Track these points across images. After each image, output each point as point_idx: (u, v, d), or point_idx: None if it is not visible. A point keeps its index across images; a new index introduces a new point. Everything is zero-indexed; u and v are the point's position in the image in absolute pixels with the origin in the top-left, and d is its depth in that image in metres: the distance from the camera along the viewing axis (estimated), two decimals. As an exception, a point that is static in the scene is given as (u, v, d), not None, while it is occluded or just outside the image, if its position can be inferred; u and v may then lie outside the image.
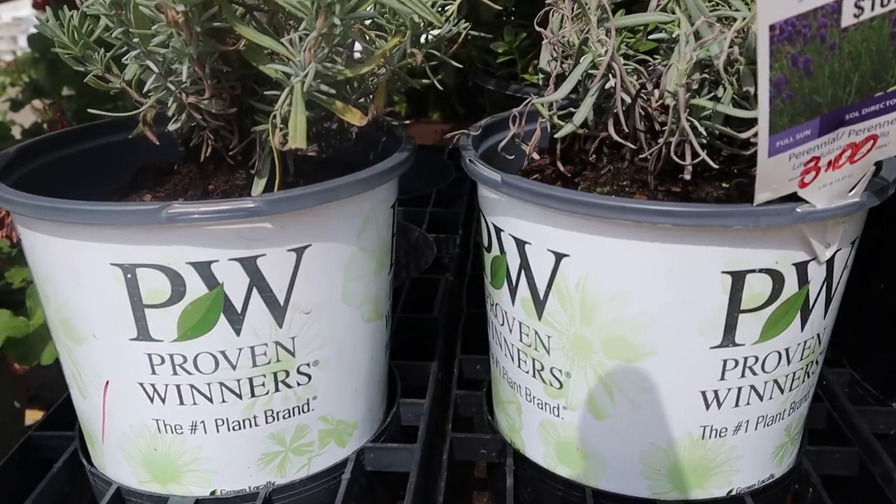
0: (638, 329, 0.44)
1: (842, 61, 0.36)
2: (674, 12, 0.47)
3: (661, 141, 0.45)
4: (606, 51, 0.46)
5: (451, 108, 1.30)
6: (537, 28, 0.51)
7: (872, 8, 0.34)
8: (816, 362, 0.49)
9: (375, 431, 0.54)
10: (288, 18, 0.46)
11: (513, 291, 0.48)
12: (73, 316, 0.45)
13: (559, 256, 0.44)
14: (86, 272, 0.43)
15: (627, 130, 0.48)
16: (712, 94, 0.46)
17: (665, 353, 0.44)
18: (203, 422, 0.46)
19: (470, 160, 0.48)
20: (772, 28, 0.34)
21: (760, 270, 0.42)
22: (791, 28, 0.34)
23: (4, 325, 0.79)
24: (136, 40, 0.45)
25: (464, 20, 0.51)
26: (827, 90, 0.37)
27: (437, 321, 0.67)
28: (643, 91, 0.48)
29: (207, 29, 0.42)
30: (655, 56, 0.51)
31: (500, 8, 0.54)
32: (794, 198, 0.40)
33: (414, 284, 0.74)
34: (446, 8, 0.48)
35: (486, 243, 0.51)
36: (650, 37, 0.49)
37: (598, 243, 0.43)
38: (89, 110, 0.55)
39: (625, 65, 0.48)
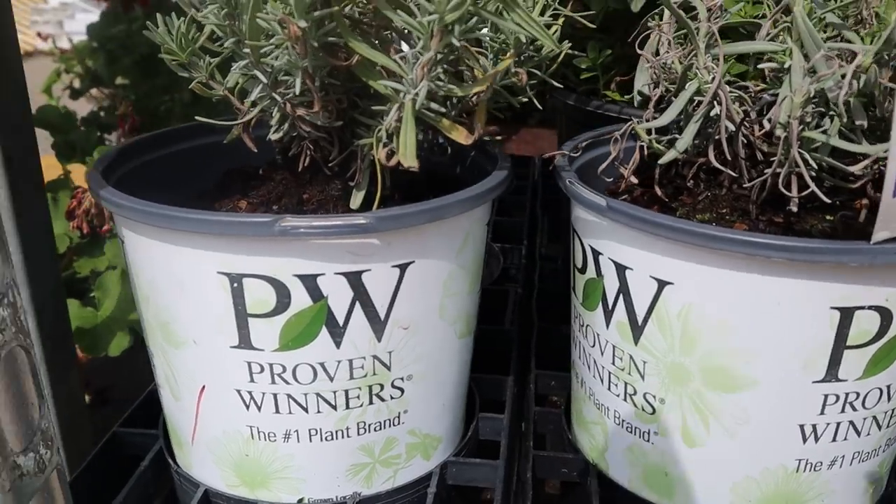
0: (740, 360, 0.44)
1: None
2: (783, 41, 0.47)
3: (768, 171, 0.45)
4: (713, 78, 0.46)
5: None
6: (638, 51, 0.51)
7: None
8: (913, 398, 0.49)
9: (458, 445, 0.54)
10: (397, 34, 0.46)
11: (608, 315, 0.48)
12: (173, 320, 0.46)
13: (662, 284, 0.44)
14: (191, 279, 0.44)
15: (728, 157, 0.48)
16: (819, 125, 0.45)
17: (766, 385, 0.44)
18: (297, 431, 0.46)
19: (570, 182, 0.48)
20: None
21: (870, 307, 0.42)
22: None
23: (74, 314, 0.81)
24: (246, 51, 0.45)
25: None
26: (959, 132, 0.36)
27: (510, 334, 0.67)
28: (747, 119, 0.48)
29: (322, 43, 0.43)
30: (754, 82, 0.50)
31: (593, 26, 0.53)
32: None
33: (483, 295, 0.74)
34: (551, 28, 0.48)
35: (580, 265, 0.51)
36: (760, 65, 0.48)
37: (704, 273, 0.43)
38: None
39: (729, 92, 0.48)
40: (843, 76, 0.41)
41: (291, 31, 0.40)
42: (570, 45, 0.50)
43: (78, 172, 1.04)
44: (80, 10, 4.29)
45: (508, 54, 0.45)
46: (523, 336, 0.69)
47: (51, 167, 0.99)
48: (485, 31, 0.43)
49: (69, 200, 0.86)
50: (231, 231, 0.41)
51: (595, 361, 0.51)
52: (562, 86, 0.55)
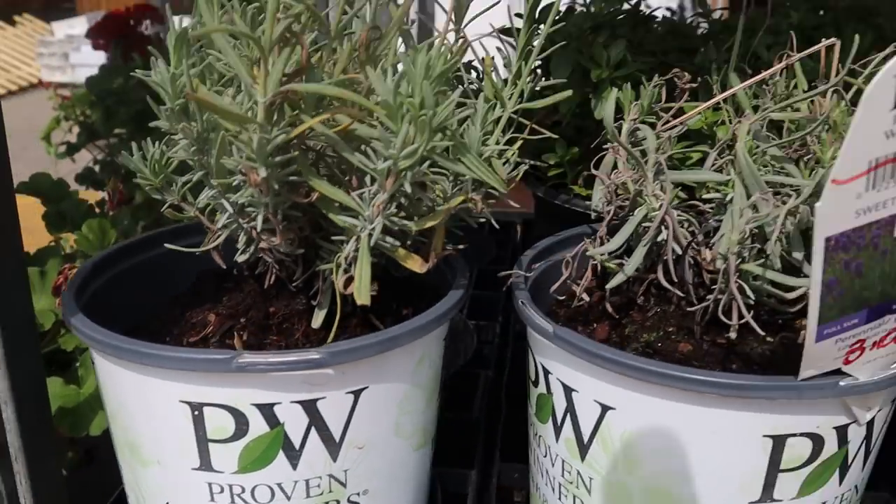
0: (679, 483, 0.46)
1: (893, 264, 0.37)
2: (730, 171, 0.49)
3: (709, 298, 0.47)
4: (661, 205, 0.48)
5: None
6: (593, 171, 0.53)
7: (924, 222, 0.36)
8: (853, 509, 0.50)
9: (418, 547, 0.56)
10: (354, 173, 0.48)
11: (557, 430, 0.50)
12: (140, 442, 0.48)
13: (605, 408, 0.46)
14: (156, 405, 0.46)
15: (676, 278, 0.50)
16: (761, 253, 0.47)
17: (705, 506, 0.46)
18: (257, 546, 0.48)
19: (522, 303, 0.50)
20: (827, 240, 0.35)
21: (801, 434, 0.44)
22: (846, 239, 0.36)
23: (57, 393, 0.82)
24: (214, 182, 0.47)
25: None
26: (876, 287, 0.38)
27: (477, 423, 0.69)
28: (694, 242, 0.50)
29: (284, 182, 0.45)
30: (709, 204, 0.52)
31: (555, 136, 0.55)
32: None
33: (454, 378, 0.76)
34: (507, 153, 0.50)
35: (532, 377, 0.53)
36: (705, 196, 0.50)
37: (644, 401, 0.45)
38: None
39: (678, 216, 0.50)
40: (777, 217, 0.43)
41: (252, 178, 0.42)
42: (527, 163, 0.53)
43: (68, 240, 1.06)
44: (86, 42, 4.33)
45: (460, 192, 0.47)
46: (491, 425, 0.70)
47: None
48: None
49: (56, 275, 0.88)
50: (193, 367, 0.43)
51: (547, 471, 0.53)
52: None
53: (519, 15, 0.54)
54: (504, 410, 0.72)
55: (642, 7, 0.81)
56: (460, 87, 0.49)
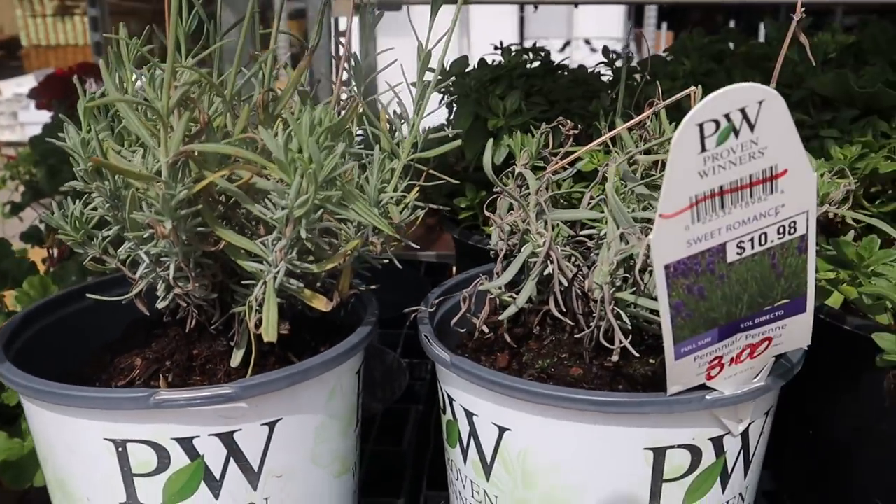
0: (573, 496, 0.49)
1: (731, 286, 0.42)
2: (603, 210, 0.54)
3: (592, 325, 0.52)
4: (545, 242, 0.53)
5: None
6: (486, 213, 0.58)
7: (752, 247, 0.41)
8: (741, 515, 0.55)
9: (343, 575, 0.59)
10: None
11: (464, 453, 0.54)
12: (68, 480, 0.51)
13: (502, 430, 0.50)
14: (81, 444, 0.49)
15: (566, 308, 0.54)
16: (636, 283, 0.52)
17: (597, 516, 0.50)
18: (184, 576, 0.51)
19: (425, 336, 0.54)
20: (666, 267, 0.40)
21: (679, 446, 0.48)
22: (684, 266, 0.40)
23: (1, 447, 0.84)
24: (130, 236, 0.51)
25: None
26: (721, 308, 0.43)
27: (406, 455, 0.72)
28: (580, 274, 0.55)
29: (192, 232, 0.49)
30: (591, 238, 0.57)
31: (456, 182, 0.60)
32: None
33: (386, 413, 0.79)
34: (405, 200, 0.55)
35: (441, 406, 0.56)
36: (582, 232, 0.55)
37: (535, 421, 0.49)
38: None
39: (563, 250, 0.54)
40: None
41: (159, 230, 0.46)
42: (422, 211, 0.57)
43: (9, 298, 1.08)
44: (35, 102, 4.33)
45: (357, 236, 0.52)
46: (419, 456, 0.74)
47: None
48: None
49: (-2, 332, 0.90)
50: (112, 406, 0.46)
51: (460, 493, 0.56)
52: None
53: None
54: (433, 442, 0.75)
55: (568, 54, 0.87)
56: (347, 143, 0.54)
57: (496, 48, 0.87)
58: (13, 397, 0.90)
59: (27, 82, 4.97)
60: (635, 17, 4.53)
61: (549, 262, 0.53)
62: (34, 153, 1.64)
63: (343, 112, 0.48)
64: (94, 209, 0.51)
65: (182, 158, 0.45)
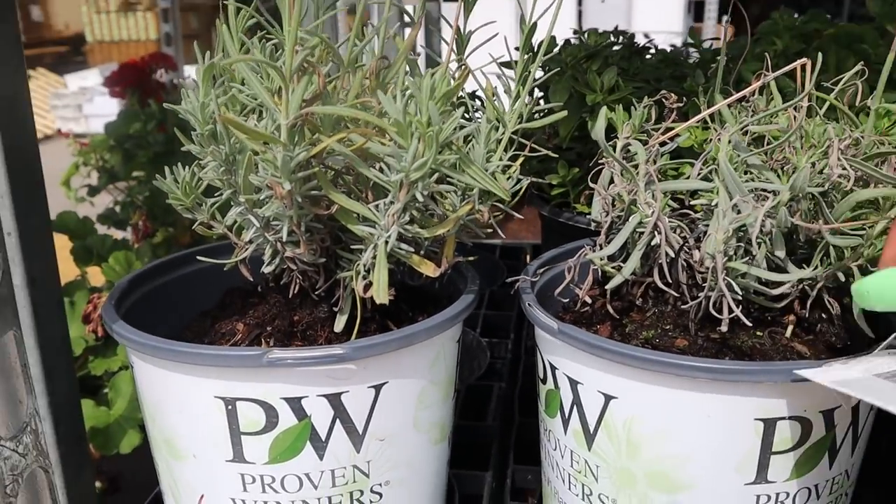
0: (678, 465, 0.49)
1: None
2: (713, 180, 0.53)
3: (700, 296, 0.51)
4: (653, 212, 0.52)
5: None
6: (591, 184, 0.57)
7: None
8: (846, 494, 0.53)
9: (435, 542, 0.59)
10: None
11: (565, 422, 0.54)
12: (175, 437, 0.52)
13: (608, 398, 0.50)
14: (192, 402, 0.50)
15: (671, 280, 0.54)
16: (748, 253, 0.51)
17: (703, 487, 0.49)
18: (286, 534, 0.52)
19: (529, 304, 0.54)
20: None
21: (790, 417, 0.47)
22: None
23: (88, 414, 0.86)
24: (241, 199, 0.52)
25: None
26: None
27: (492, 430, 0.72)
28: (686, 246, 0.54)
29: (306, 196, 0.49)
30: (697, 210, 0.57)
31: (555, 155, 0.60)
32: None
33: (469, 390, 0.79)
34: (511, 169, 0.54)
35: (541, 375, 0.56)
36: (692, 202, 0.54)
37: (643, 389, 0.48)
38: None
39: (669, 221, 0.54)
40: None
41: (277, 191, 0.47)
42: (529, 178, 0.57)
43: (94, 273, 1.11)
44: (98, 93, 4.46)
45: (467, 201, 0.52)
46: (505, 431, 0.74)
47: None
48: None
49: (85, 304, 0.93)
50: (226, 363, 0.47)
51: (557, 463, 0.56)
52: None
53: (518, 48, 0.59)
54: (517, 419, 0.75)
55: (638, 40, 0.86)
56: (463, 109, 0.54)
57: (575, 32, 0.87)
58: (99, 367, 0.93)
59: (91, 76, 5.10)
60: (695, 12, 4.47)
61: (656, 232, 0.53)
62: (110, 139, 1.68)
63: (454, 80, 0.48)
64: (207, 173, 0.52)
65: (300, 122, 0.46)
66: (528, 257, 1.14)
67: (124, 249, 1.08)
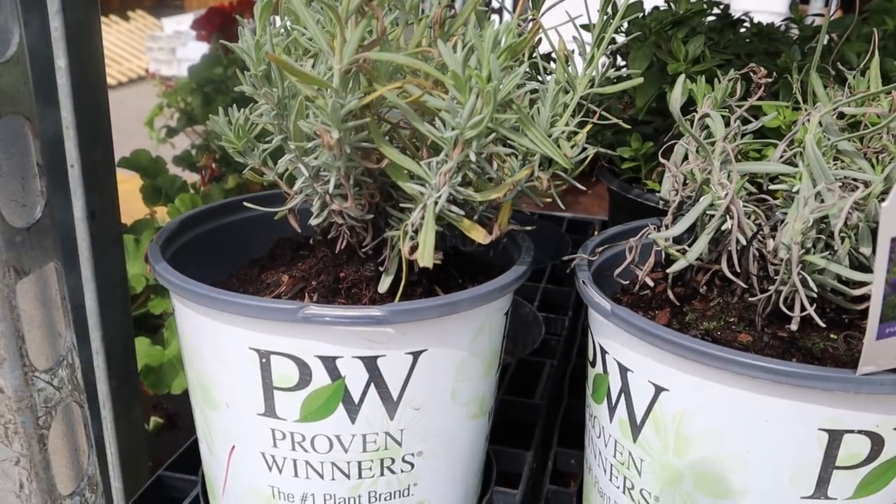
0: (728, 469, 0.45)
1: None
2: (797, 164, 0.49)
3: (771, 289, 0.47)
4: (727, 194, 0.48)
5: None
6: (662, 160, 0.54)
7: None
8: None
9: (468, 517, 0.57)
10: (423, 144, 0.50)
11: (611, 410, 0.51)
12: (211, 385, 0.51)
13: (659, 389, 0.47)
14: (227, 351, 0.48)
15: (740, 269, 0.50)
16: (828, 248, 0.47)
17: (754, 495, 0.45)
18: (313, 494, 0.50)
19: (583, 282, 0.51)
20: (893, 240, 0.35)
21: (859, 432, 0.43)
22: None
23: (143, 352, 0.87)
24: (292, 146, 0.50)
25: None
26: (938, 284, 0.38)
27: (538, 408, 0.70)
28: (760, 233, 0.50)
29: (356, 147, 0.47)
30: (775, 197, 0.52)
31: (628, 126, 0.56)
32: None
33: (519, 364, 0.77)
34: (577, 136, 0.51)
35: (591, 358, 0.53)
36: (772, 187, 0.50)
37: (697, 384, 0.45)
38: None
39: (744, 205, 0.50)
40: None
41: (325, 140, 0.45)
42: (596, 148, 0.53)
43: (163, 213, 1.12)
44: (192, 37, 4.52)
45: (526, 167, 0.49)
46: (551, 410, 0.71)
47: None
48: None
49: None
50: (262, 315, 0.46)
51: (600, 452, 0.53)
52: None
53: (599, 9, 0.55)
54: (566, 399, 0.72)
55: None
56: (531, 68, 0.51)
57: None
58: (158, 306, 0.93)
59: (187, 20, 5.18)
60: (803, -7, 4.26)
61: (728, 216, 0.49)
62: (192, 82, 1.69)
63: (522, 34, 0.45)
64: (260, 116, 0.50)
65: (354, 68, 0.43)
66: (595, 233, 1.10)
67: (192, 192, 1.08)
